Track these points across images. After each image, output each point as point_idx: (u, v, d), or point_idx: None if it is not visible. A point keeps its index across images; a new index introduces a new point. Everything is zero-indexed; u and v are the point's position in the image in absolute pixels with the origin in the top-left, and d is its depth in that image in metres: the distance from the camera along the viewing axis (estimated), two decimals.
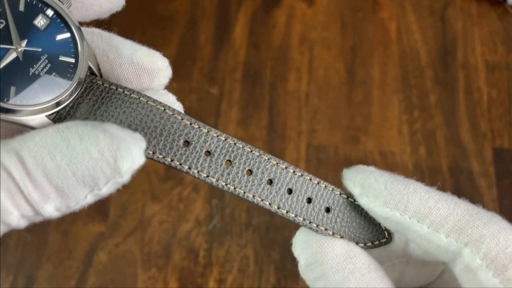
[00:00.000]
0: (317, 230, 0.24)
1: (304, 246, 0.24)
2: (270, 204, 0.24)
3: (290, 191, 0.24)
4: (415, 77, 0.73)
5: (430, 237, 0.22)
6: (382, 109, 0.70)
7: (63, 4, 0.23)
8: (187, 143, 0.23)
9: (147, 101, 0.23)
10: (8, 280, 0.58)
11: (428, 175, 0.67)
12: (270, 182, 0.24)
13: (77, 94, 0.22)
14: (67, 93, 0.22)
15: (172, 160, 0.23)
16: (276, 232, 0.62)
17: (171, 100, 0.24)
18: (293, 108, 0.70)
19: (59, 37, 0.22)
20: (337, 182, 0.26)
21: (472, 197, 0.66)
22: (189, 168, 0.23)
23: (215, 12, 0.76)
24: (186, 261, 0.60)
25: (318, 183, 0.25)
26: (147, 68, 0.24)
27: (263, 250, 0.61)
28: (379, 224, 0.25)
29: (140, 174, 0.64)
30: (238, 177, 0.24)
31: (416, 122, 0.70)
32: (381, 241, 0.25)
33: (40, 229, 0.61)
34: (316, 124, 0.69)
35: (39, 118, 0.21)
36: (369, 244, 0.25)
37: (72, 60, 0.22)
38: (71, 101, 0.22)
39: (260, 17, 0.76)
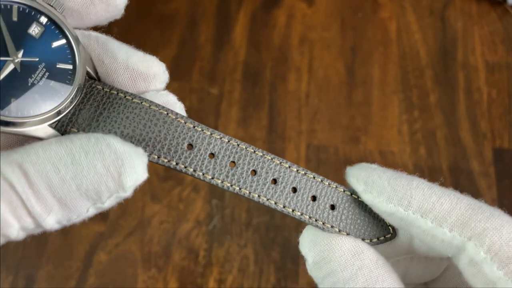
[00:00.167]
0: (324, 228, 0.24)
1: (311, 244, 0.24)
2: (275, 203, 0.24)
3: (294, 190, 0.25)
4: (415, 77, 0.73)
5: (433, 231, 0.22)
6: (382, 109, 0.70)
7: (55, 9, 0.22)
8: (191, 146, 0.23)
9: (149, 106, 0.23)
10: (8, 280, 0.58)
11: (428, 175, 0.67)
12: (275, 181, 0.24)
13: (78, 100, 0.23)
14: (67, 101, 0.22)
15: (177, 164, 0.23)
16: (276, 232, 0.62)
17: (172, 101, 0.24)
18: (293, 108, 0.70)
19: (55, 44, 0.22)
20: (338, 182, 0.26)
21: (472, 197, 0.66)
22: (194, 170, 0.23)
23: (215, 12, 0.76)
24: (186, 261, 0.60)
25: (321, 181, 0.25)
26: (142, 74, 0.24)
27: (263, 250, 0.61)
28: (383, 220, 0.25)
29: None
30: (243, 177, 0.24)
31: (416, 122, 0.70)
32: (386, 236, 0.25)
33: None
34: (316, 124, 0.69)
35: (42, 128, 0.22)
36: (375, 240, 0.25)
37: (70, 67, 0.22)
38: (72, 108, 0.22)
39: (260, 17, 0.76)
